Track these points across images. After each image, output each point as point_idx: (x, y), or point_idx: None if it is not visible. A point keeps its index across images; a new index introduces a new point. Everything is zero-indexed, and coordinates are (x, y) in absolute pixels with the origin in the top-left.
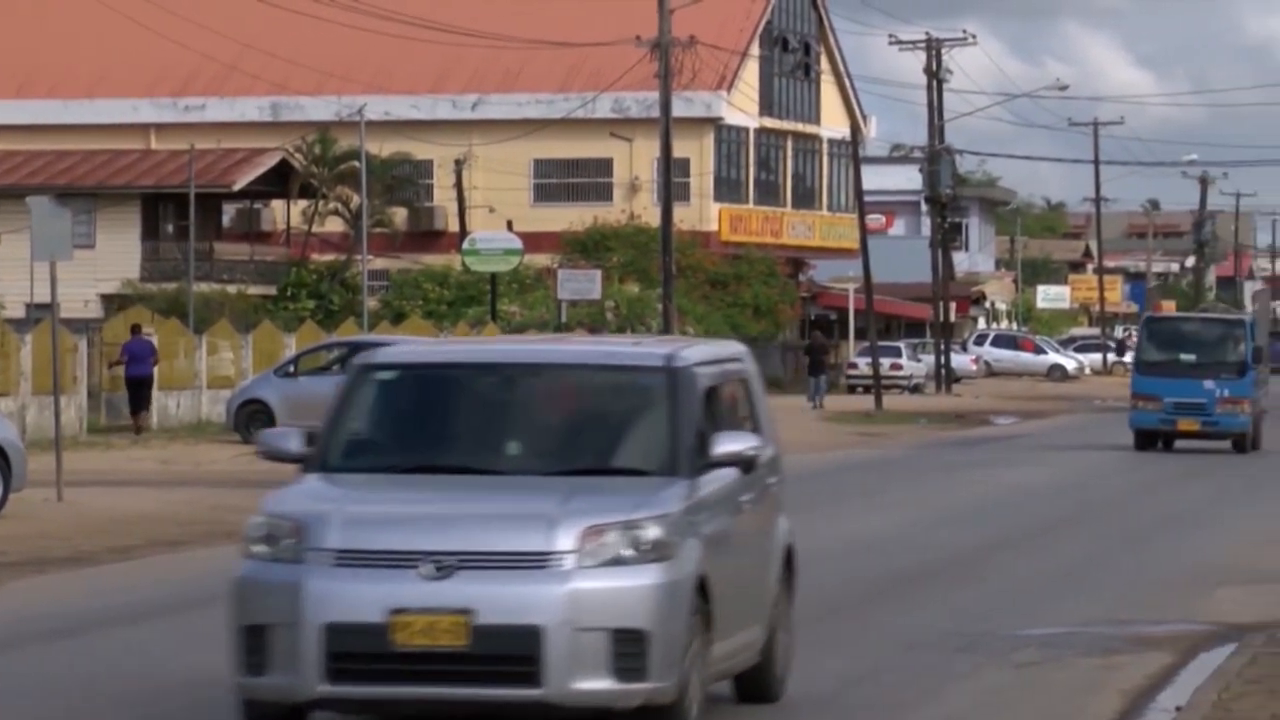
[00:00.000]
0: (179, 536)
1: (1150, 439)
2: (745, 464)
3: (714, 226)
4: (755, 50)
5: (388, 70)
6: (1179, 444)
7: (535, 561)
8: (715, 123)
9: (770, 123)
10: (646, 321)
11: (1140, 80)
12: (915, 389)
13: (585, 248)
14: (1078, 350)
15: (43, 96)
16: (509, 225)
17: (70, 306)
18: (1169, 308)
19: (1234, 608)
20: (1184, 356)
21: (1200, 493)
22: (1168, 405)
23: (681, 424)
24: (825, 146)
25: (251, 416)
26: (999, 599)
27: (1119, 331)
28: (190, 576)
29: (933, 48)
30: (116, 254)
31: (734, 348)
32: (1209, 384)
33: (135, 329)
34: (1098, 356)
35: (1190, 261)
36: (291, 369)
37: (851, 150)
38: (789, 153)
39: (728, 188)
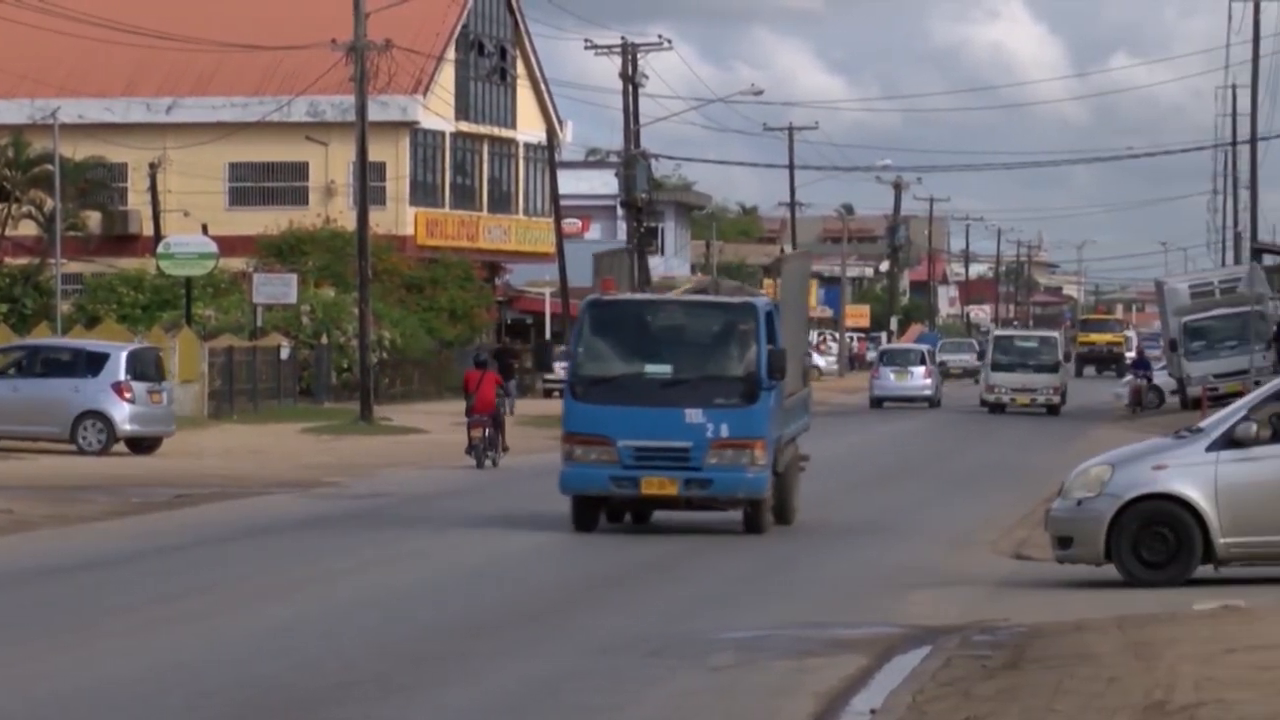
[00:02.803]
0: None
1: (594, 511)
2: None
3: (410, 230)
4: (451, 54)
5: (81, 73)
6: (660, 517)
7: None
8: (411, 126)
9: (466, 127)
10: (342, 326)
11: (832, 85)
12: None
13: (281, 251)
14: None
15: None
16: (204, 229)
17: None
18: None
19: (929, 610)
20: (651, 369)
21: (897, 496)
22: (625, 453)
23: None
24: (521, 151)
25: None
26: (694, 602)
27: (813, 336)
28: None
29: (628, 52)
30: None
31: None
32: (694, 415)
33: None
34: None
35: (885, 266)
36: None
37: (547, 154)
38: (485, 157)
39: (424, 192)
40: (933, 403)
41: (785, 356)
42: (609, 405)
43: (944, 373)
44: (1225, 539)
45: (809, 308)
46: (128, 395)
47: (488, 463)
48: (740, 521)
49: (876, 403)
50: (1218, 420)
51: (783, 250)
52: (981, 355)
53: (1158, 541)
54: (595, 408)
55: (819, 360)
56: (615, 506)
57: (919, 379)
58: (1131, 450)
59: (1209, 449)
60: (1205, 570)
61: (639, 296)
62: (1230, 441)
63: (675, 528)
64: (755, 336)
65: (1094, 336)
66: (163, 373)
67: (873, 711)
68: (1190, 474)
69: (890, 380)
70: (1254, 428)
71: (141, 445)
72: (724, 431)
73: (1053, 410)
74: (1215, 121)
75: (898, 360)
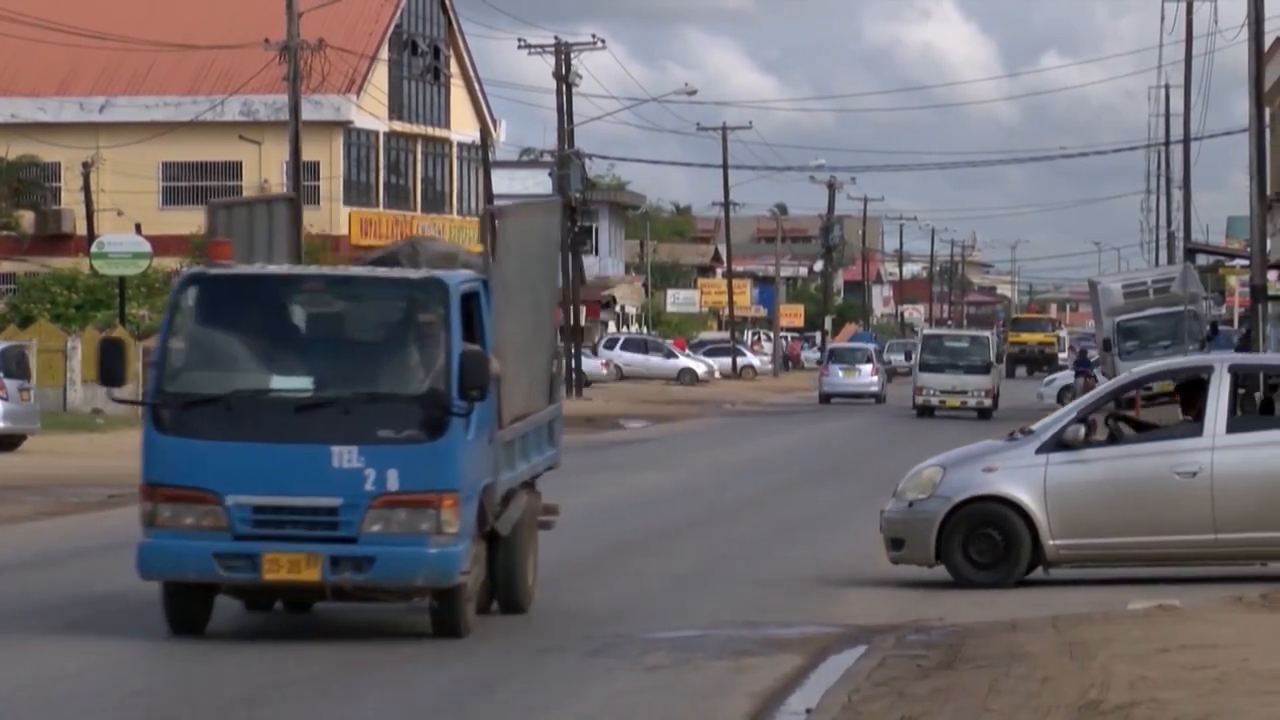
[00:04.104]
0: None
1: (200, 605)
2: None
3: (344, 230)
4: (384, 54)
5: (12, 72)
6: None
7: None
8: (345, 126)
9: (400, 126)
10: None
11: (764, 85)
12: None
13: None
14: (707, 354)
15: None
16: (138, 228)
17: None
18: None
19: (863, 610)
20: (280, 383)
21: (830, 496)
22: (238, 515)
23: None
24: (455, 150)
25: None
26: (630, 602)
27: (748, 335)
28: None
29: (561, 52)
30: None
31: None
32: (345, 455)
33: None
34: (727, 360)
35: (819, 266)
36: None
37: (481, 154)
38: (419, 156)
39: (358, 191)
40: (878, 399)
41: (488, 362)
42: (212, 440)
43: (890, 371)
44: (1054, 541)
45: (557, 281)
46: (2, 393)
47: None
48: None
49: (825, 398)
50: (1049, 423)
51: (494, 210)
52: (908, 356)
53: (987, 543)
54: (191, 444)
55: (753, 360)
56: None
57: (866, 376)
58: (964, 452)
59: (1039, 451)
60: (1110, 571)
61: (261, 270)
62: (1059, 444)
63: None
64: (443, 331)
65: (1025, 336)
66: (27, 370)
67: (808, 711)
68: (1020, 476)
69: (839, 377)
70: (1081, 430)
71: (9, 443)
72: (392, 482)
73: (984, 414)
74: (1148, 121)
75: (846, 359)
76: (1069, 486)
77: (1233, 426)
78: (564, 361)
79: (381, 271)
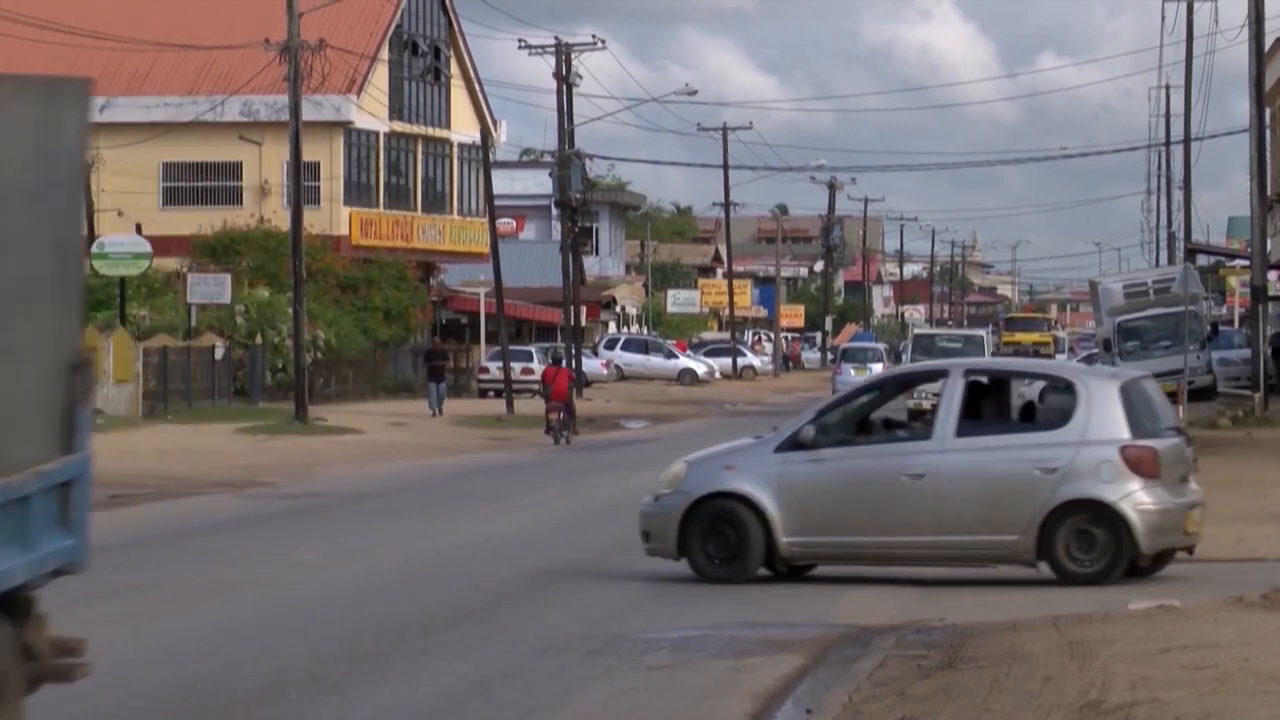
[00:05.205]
0: None
1: None
2: None
3: (344, 230)
4: (385, 54)
5: (12, 71)
6: None
7: None
8: (345, 126)
9: (400, 126)
10: (277, 326)
11: (764, 85)
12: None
13: (215, 251)
14: (707, 355)
15: None
16: (138, 229)
17: None
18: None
19: (863, 610)
20: None
21: None
22: None
23: None
24: (456, 150)
25: None
26: (630, 602)
27: (748, 336)
28: None
29: (561, 52)
30: None
31: None
32: None
33: None
34: (728, 360)
35: (819, 266)
36: None
37: (482, 154)
38: (419, 157)
39: (358, 191)
40: None
41: None
42: None
43: None
44: (787, 538)
45: (74, 230)
46: None
47: (562, 440)
48: None
49: None
50: (791, 424)
51: None
52: (898, 357)
53: (722, 539)
54: None
55: (753, 360)
56: None
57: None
58: (714, 450)
59: (777, 450)
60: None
61: None
62: (795, 444)
63: None
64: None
65: (1019, 336)
66: None
67: (809, 711)
68: (756, 474)
69: (851, 375)
70: (812, 431)
71: None
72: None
73: None
74: (1149, 122)
75: (858, 358)
76: (801, 485)
77: (962, 430)
78: (91, 380)
79: None
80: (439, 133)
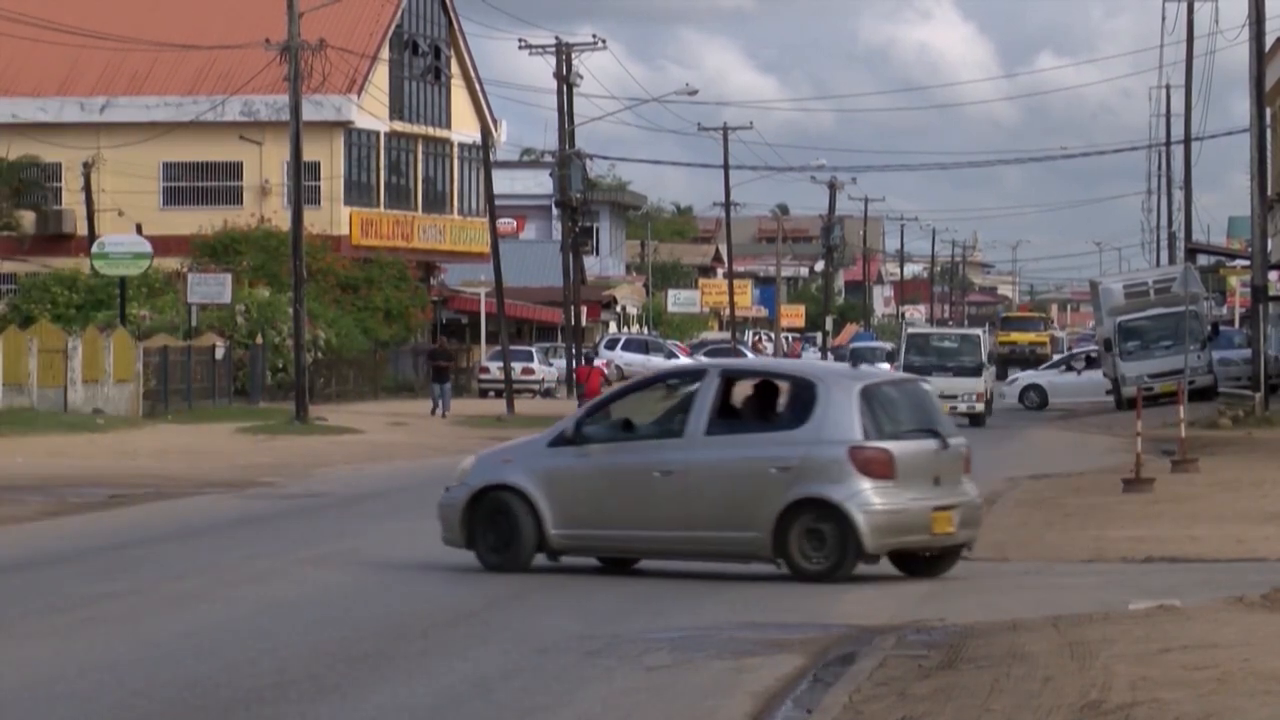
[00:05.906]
0: None
1: None
2: None
3: (345, 230)
4: (385, 54)
5: (13, 72)
6: None
7: None
8: (345, 126)
9: (401, 126)
10: (277, 325)
11: (764, 85)
12: (547, 393)
13: (215, 251)
14: (708, 354)
15: None
16: (138, 228)
17: None
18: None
19: (864, 610)
20: None
21: None
22: None
23: None
24: (456, 150)
25: None
26: (630, 602)
27: (749, 336)
28: None
29: (562, 52)
30: None
31: None
32: None
33: None
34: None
35: (820, 266)
36: None
37: (482, 154)
38: (420, 156)
39: (358, 191)
40: None
41: None
42: None
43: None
44: (555, 530)
45: None
46: None
47: None
48: None
49: None
50: (564, 420)
51: None
52: (891, 358)
53: (499, 529)
54: None
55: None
56: None
57: None
58: (503, 445)
59: (550, 445)
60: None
61: None
62: (565, 439)
63: None
64: None
65: (1016, 336)
66: None
67: (809, 711)
68: (528, 467)
69: None
70: (581, 427)
71: None
72: None
73: (976, 420)
74: (1149, 122)
75: (866, 358)
76: (567, 479)
77: (713, 429)
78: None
79: None
80: (439, 133)
